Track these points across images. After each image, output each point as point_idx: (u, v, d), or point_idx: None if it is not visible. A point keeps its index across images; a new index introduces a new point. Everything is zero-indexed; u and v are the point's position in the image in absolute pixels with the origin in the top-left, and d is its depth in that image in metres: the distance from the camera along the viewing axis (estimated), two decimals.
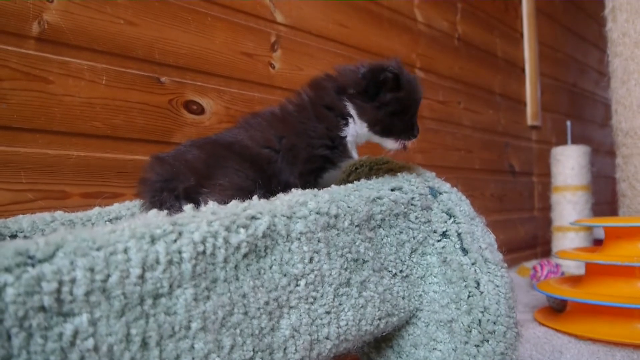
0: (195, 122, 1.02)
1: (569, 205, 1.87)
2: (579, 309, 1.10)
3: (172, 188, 0.65)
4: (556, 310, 1.22)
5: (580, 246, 1.85)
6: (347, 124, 0.73)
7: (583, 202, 1.87)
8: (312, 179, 0.72)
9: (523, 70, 2.36)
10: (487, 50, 2.08)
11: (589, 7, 3.02)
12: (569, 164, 1.89)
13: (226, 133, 0.75)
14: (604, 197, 2.74)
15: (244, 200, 0.61)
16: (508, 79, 2.22)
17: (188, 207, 0.51)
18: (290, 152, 0.70)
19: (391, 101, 0.73)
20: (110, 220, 0.69)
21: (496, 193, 2.07)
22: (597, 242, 1.91)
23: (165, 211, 0.49)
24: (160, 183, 0.66)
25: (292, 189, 0.61)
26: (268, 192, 0.66)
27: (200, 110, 1.03)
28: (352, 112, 0.73)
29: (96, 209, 0.70)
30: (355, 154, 0.76)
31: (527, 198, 2.34)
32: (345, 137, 0.73)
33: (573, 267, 1.71)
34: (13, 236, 0.60)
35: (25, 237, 0.61)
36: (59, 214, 0.66)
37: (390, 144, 0.77)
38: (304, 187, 0.66)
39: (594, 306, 1.03)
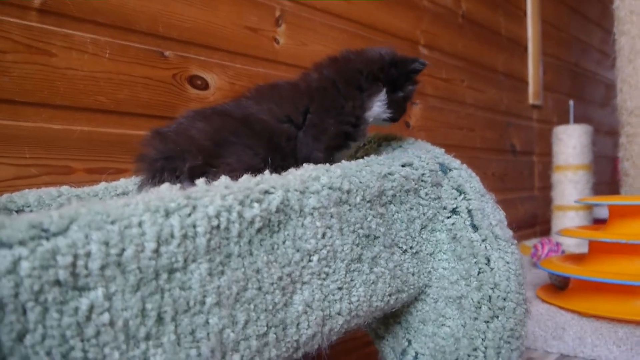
0: (199, 97, 1.00)
1: (570, 185, 1.87)
2: (582, 287, 1.10)
3: (174, 167, 0.61)
4: (558, 287, 1.22)
5: (581, 225, 1.85)
6: (372, 107, 0.73)
7: (584, 182, 1.87)
8: (333, 153, 0.71)
9: (526, 49, 2.34)
10: (491, 28, 2.06)
11: None
12: (571, 143, 1.88)
13: (233, 104, 0.71)
14: (603, 177, 2.74)
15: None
16: (511, 57, 2.20)
17: (200, 181, 0.51)
18: (316, 127, 0.69)
19: (411, 92, 0.78)
20: (117, 196, 0.68)
21: (497, 172, 2.07)
22: (597, 221, 1.91)
23: (178, 185, 0.48)
24: (162, 161, 0.61)
25: (314, 163, 0.61)
26: (283, 169, 0.64)
27: (205, 86, 1.01)
28: (381, 97, 0.74)
29: (102, 184, 0.69)
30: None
31: (528, 177, 2.34)
32: (367, 118, 0.74)
33: (573, 245, 1.71)
34: (19, 211, 0.59)
35: (31, 212, 0.60)
36: (65, 188, 0.65)
37: (386, 124, 0.80)
38: (326, 161, 0.66)
39: (597, 284, 1.03)
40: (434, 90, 1.70)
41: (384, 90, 0.74)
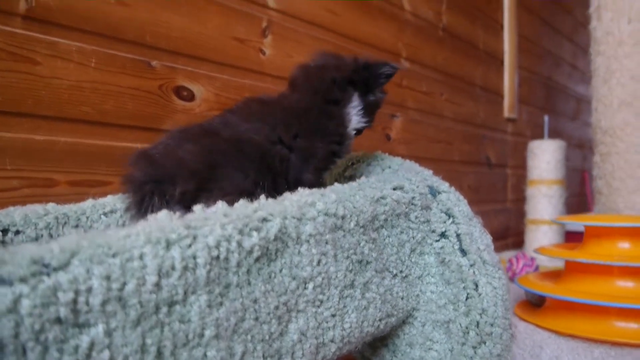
0: (185, 108, 0.99)
1: (544, 199, 1.91)
2: (558, 305, 1.12)
3: (163, 191, 0.59)
4: (534, 304, 1.24)
5: (554, 239, 1.89)
6: (350, 119, 0.72)
7: (557, 196, 1.91)
8: (322, 174, 0.71)
9: (502, 62, 2.38)
10: (470, 42, 2.09)
11: (565, 1, 3.06)
12: (545, 158, 1.92)
13: (220, 120, 0.68)
14: (572, 189, 2.81)
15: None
16: (488, 71, 2.24)
17: (198, 208, 0.50)
18: (306, 150, 0.68)
19: (381, 99, 0.77)
20: (105, 214, 0.66)
21: (473, 184, 2.10)
22: (570, 235, 1.96)
23: (178, 213, 0.47)
24: (151, 184, 0.59)
25: (305, 186, 0.60)
26: (275, 192, 0.64)
27: (191, 97, 1.00)
28: (354, 103, 0.74)
29: (89, 202, 0.67)
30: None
31: (501, 189, 2.38)
32: (349, 131, 0.73)
33: (547, 260, 1.75)
34: (5, 230, 0.57)
35: (17, 231, 0.58)
36: (51, 206, 0.63)
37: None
38: (316, 183, 0.67)
39: (573, 303, 1.05)
40: (414, 103, 1.72)
41: (356, 94, 0.74)
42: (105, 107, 0.87)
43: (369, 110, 0.75)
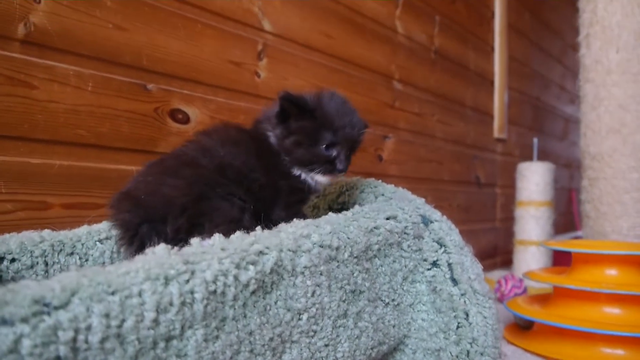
0: (180, 131, 1.00)
1: (532, 220, 1.93)
2: (547, 330, 1.13)
3: (158, 230, 0.59)
4: (522, 327, 1.25)
5: (541, 259, 1.91)
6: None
7: (545, 218, 1.93)
8: (297, 209, 0.71)
9: (492, 83, 2.42)
10: (461, 63, 2.12)
11: (555, 24, 3.12)
12: (534, 179, 1.94)
13: (194, 147, 0.66)
14: (559, 208, 2.84)
15: (238, 229, 0.59)
16: (478, 92, 2.27)
17: (195, 241, 0.50)
18: (271, 186, 0.68)
19: (298, 129, 0.69)
20: (100, 241, 0.67)
21: (462, 204, 2.11)
22: (557, 255, 1.98)
23: (176, 248, 0.47)
24: (146, 226, 0.59)
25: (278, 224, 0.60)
26: (258, 212, 0.64)
27: (186, 120, 1.01)
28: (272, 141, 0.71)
29: (85, 228, 0.68)
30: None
31: (490, 209, 2.40)
32: (295, 173, 0.71)
33: (534, 281, 1.76)
34: (0, 259, 0.57)
35: (13, 259, 0.58)
36: (46, 233, 0.63)
37: (318, 177, 0.72)
38: (290, 218, 0.63)
39: (561, 328, 1.06)
40: (406, 124, 1.74)
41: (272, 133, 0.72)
42: (101, 130, 0.87)
43: (287, 146, 0.70)
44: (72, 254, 0.64)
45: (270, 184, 0.68)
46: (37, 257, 0.60)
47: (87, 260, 0.65)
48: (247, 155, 0.67)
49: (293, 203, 0.71)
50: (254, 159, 0.67)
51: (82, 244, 0.65)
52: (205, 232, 0.58)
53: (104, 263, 0.65)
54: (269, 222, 0.63)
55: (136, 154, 0.92)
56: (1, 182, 0.75)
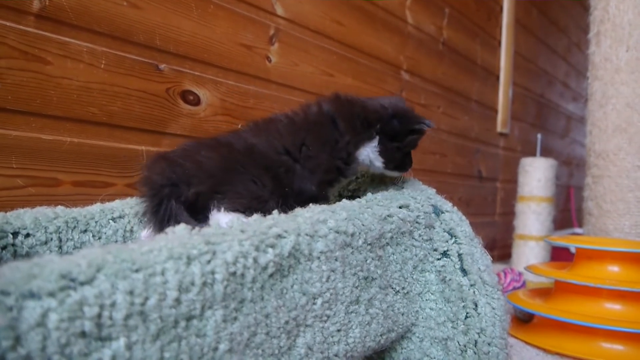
0: (191, 112, 0.99)
1: (533, 216, 1.94)
2: (547, 323, 1.14)
3: (179, 193, 0.62)
4: (522, 320, 1.26)
5: (540, 254, 1.92)
6: (364, 148, 0.75)
7: (546, 214, 1.93)
8: (326, 188, 0.72)
9: (497, 78, 2.41)
10: (468, 57, 2.11)
11: (561, 22, 3.11)
12: (536, 175, 1.95)
13: (232, 136, 0.72)
14: (558, 205, 2.85)
15: (257, 209, 0.61)
16: (484, 86, 2.26)
17: (214, 220, 0.50)
18: (311, 160, 0.70)
19: (409, 143, 0.78)
20: (113, 219, 0.67)
21: (464, 197, 2.12)
22: (556, 250, 1.99)
23: (197, 227, 0.47)
24: (168, 187, 0.61)
25: (307, 196, 0.62)
26: (283, 201, 0.66)
27: (197, 101, 1.00)
28: (375, 146, 0.76)
29: (98, 206, 0.68)
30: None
31: (490, 203, 2.41)
32: (358, 156, 0.75)
33: (532, 275, 1.77)
34: (16, 233, 0.57)
35: (28, 234, 0.58)
36: (60, 209, 0.63)
37: (394, 174, 0.81)
38: (319, 196, 0.69)
39: (561, 322, 1.07)
40: None
41: (377, 138, 0.76)
42: (113, 108, 0.86)
43: (390, 154, 0.76)
44: (85, 231, 0.63)
45: (307, 158, 0.71)
46: (51, 234, 0.60)
47: (99, 238, 0.65)
48: (278, 140, 0.71)
49: (326, 182, 0.73)
50: (290, 138, 0.71)
51: (96, 222, 0.65)
52: (226, 200, 0.59)
53: (116, 241, 0.65)
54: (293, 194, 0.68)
55: (146, 134, 0.91)
56: (12, 156, 0.75)
